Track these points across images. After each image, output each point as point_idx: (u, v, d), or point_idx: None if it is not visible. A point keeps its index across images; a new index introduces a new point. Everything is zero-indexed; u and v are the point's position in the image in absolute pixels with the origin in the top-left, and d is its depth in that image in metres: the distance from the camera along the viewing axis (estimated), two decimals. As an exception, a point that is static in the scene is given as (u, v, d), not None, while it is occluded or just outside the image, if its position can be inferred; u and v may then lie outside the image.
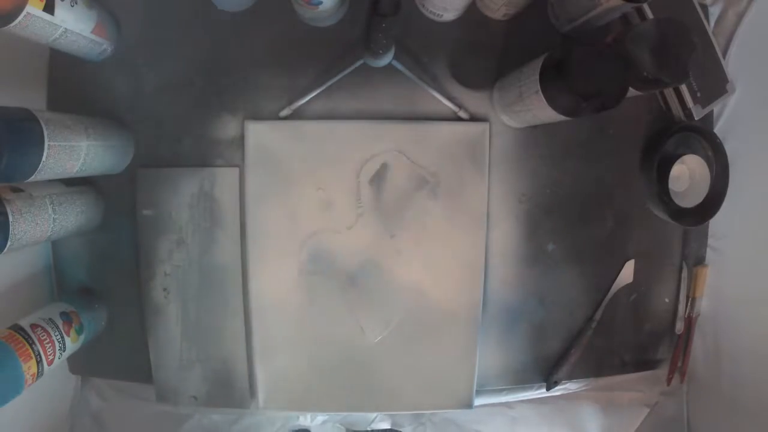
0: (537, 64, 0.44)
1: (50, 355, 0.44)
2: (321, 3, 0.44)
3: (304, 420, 0.61)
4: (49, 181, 0.46)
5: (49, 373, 0.44)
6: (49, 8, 0.40)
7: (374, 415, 0.60)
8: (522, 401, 0.60)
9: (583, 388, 0.61)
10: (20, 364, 0.41)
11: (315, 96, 0.52)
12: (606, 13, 0.47)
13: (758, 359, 0.53)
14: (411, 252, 0.53)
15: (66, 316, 0.48)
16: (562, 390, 0.60)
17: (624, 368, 0.61)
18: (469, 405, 0.55)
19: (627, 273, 0.57)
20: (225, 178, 0.52)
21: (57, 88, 0.52)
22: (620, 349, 0.60)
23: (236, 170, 0.52)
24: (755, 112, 0.56)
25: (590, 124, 0.55)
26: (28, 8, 0.38)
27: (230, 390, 0.54)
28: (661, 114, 0.57)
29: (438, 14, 0.51)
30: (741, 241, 0.58)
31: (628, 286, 0.58)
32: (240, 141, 0.52)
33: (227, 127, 0.52)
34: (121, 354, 0.55)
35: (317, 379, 0.54)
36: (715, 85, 0.55)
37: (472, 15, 0.52)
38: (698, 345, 0.60)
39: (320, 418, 0.60)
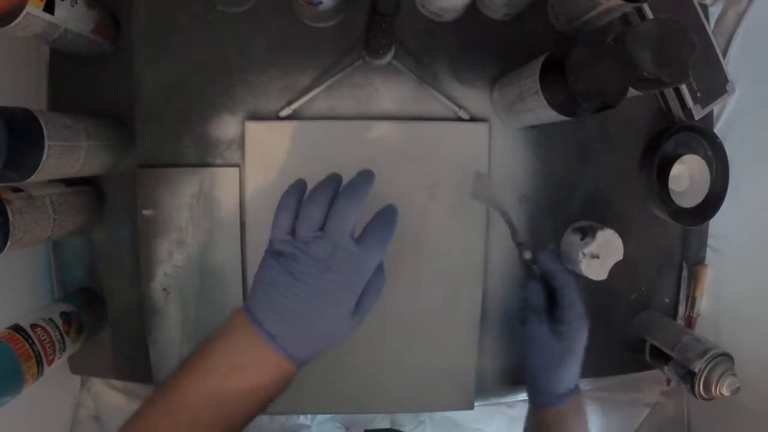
0: (537, 64, 0.44)
1: (50, 355, 0.44)
2: (321, 3, 0.44)
3: (305, 419, 0.61)
4: (49, 181, 0.46)
5: (49, 373, 0.45)
6: (49, 8, 0.40)
7: (374, 415, 0.60)
8: (522, 401, 0.61)
9: (583, 388, 0.61)
10: (20, 364, 0.41)
11: (315, 96, 0.52)
12: (606, 13, 0.47)
13: (758, 359, 0.53)
14: (411, 252, 0.53)
15: (66, 316, 0.48)
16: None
17: (624, 368, 0.61)
18: (469, 405, 0.55)
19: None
20: (225, 178, 0.52)
21: (57, 88, 0.52)
22: (620, 349, 0.60)
23: (236, 170, 0.52)
24: (755, 112, 0.56)
25: (590, 124, 0.55)
26: (28, 8, 0.38)
27: (230, 390, 0.54)
28: (661, 114, 0.57)
29: (438, 14, 0.51)
30: (741, 241, 0.58)
31: (628, 286, 0.58)
32: (240, 141, 0.52)
33: (227, 127, 0.52)
34: (121, 354, 0.55)
35: (317, 379, 0.54)
36: (715, 85, 0.55)
37: (472, 15, 0.52)
38: (698, 345, 0.60)
39: (320, 418, 0.61)
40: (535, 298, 0.49)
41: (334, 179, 0.39)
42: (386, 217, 0.39)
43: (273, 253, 0.38)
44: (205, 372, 0.36)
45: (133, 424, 0.36)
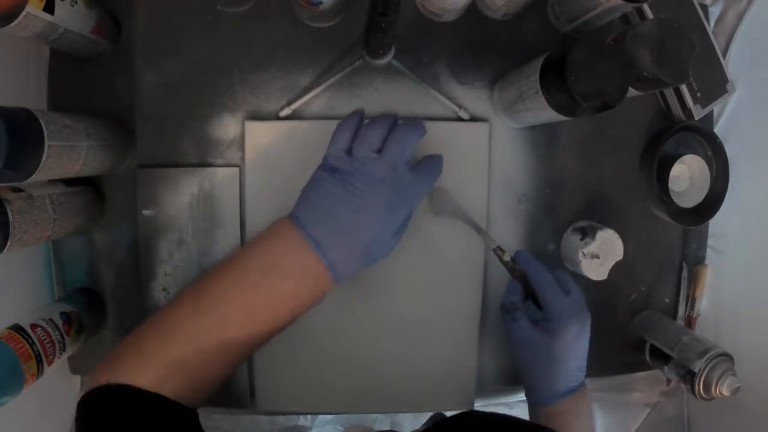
0: (537, 64, 0.44)
1: (50, 355, 0.44)
2: (321, 3, 0.44)
3: (305, 420, 0.61)
4: (49, 181, 0.46)
5: (49, 373, 0.45)
6: (49, 8, 0.40)
7: (374, 415, 0.60)
8: (522, 401, 0.60)
9: (583, 388, 0.61)
10: (20, 364, 0.41)
11: (315, 96, 0.52)
12: (606, 13, 0.47)
13: (758, 359, 0.53)
14: (411, 251, 0.53)
15: (66, 316, 0.48)
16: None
17: (624, 368, 0.61)
18: (469, 405, 0.55)
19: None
20: (225, 178, 0.52)
21: (57, 88, 0.52)
22: (620, 349, 0.60)
23: (236, 170, 0.52)
24: (755, 112, 0.56)
25: (590, 124, 0.55)
26: (28, 8, 0.38)
27: (230, 390, 0.54)
28: (661, 114, 0.57)
29: (438, 14, 0.51)
30: (741, 241, 0.58)
31: (628, 286, 0.58)
32: (240, 141, 0.52)
33: (227, 127, 0.52)
34: (121, 354, 0.55)
35: (317, 379, 0.54)
36: (715, 85, 0.55)
37: (472, 15, 0.52)
38: (698, 345, 0.60)
39: (320, 419, 0.61)
40: (509, 295, 0.49)
41: (393, 115, 0.42)
42: (435, 158, 0.42)
43: (327, 168, 0.40)
44: (243, 271, 0.37)
45: (160, 322, 0.35)
